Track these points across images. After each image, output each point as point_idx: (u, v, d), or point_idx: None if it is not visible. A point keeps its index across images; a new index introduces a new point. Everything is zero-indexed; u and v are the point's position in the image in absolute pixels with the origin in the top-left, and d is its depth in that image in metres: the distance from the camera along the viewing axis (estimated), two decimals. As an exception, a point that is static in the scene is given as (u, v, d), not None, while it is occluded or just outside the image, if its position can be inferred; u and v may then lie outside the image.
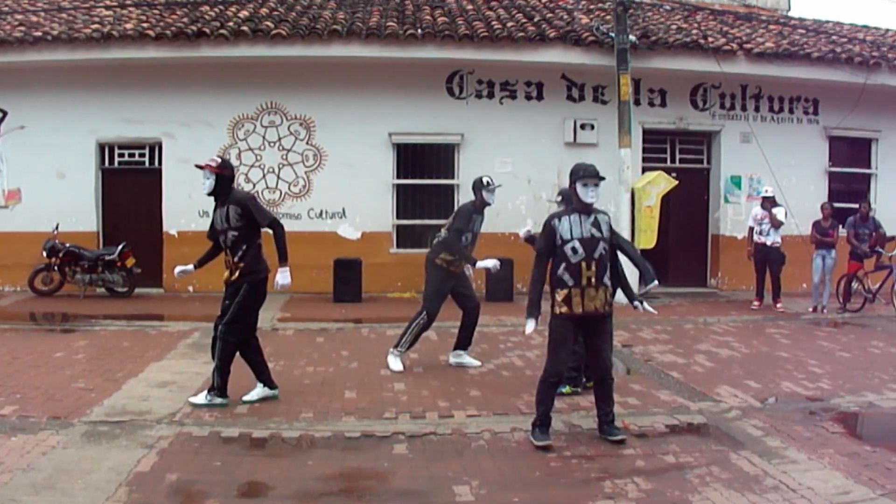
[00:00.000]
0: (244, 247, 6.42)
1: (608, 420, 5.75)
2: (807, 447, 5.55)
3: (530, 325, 5.69)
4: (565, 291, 5.56)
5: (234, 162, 13.60)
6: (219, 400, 6.49)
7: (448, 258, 7.89)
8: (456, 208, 9.07)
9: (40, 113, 13.54)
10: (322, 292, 12.97)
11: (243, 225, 6.40)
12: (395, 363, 7.95)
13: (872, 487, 4.79)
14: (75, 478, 4.82)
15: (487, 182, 7.95)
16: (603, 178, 5.66)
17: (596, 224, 5.63)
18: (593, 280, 5.54)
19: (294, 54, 13.07)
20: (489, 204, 8.02)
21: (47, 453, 5.26)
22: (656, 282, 6.88)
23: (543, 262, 5.69)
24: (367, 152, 13.86)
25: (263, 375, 6.76)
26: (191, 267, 6.86)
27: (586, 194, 5.59)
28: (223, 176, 6.47)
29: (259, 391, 6.72)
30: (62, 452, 5.31)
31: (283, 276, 6.48)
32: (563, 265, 5.56)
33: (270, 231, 6.43)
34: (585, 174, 5.61)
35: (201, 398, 6.49)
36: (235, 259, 6.45)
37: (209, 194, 6.55)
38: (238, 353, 6.60)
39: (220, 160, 6.56)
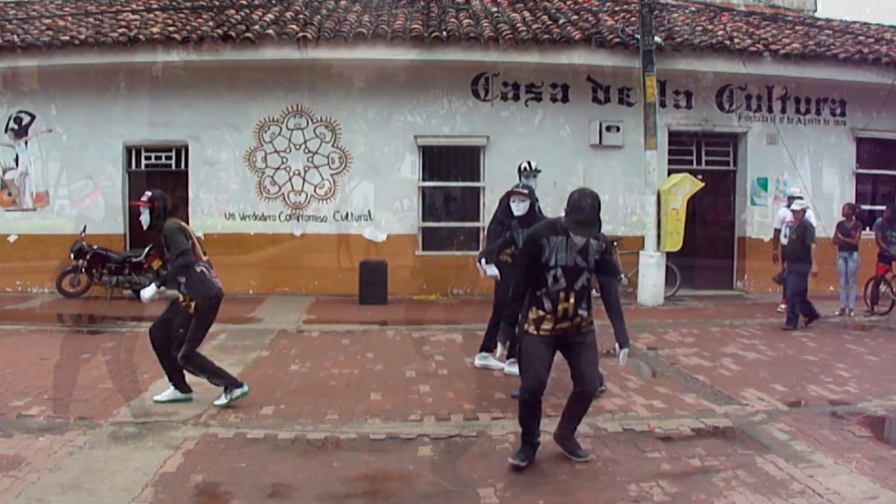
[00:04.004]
0: (182, 279, 6.39)
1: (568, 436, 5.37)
2: (834, 451, 5.48)
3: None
4: (540, 313, 5.11)
5: (261, 165, 13.68)
6: (237, 392, 6.52)
7: (509, 252, 7.68)
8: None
9: (68, 116, 13.73)
10: (348, 294, 12.99)
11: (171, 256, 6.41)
12: (510, 368, 7.57)
13: (902, 493, 4.73)
14: (102, 478, 4.87)
15: (524, 168, 7.74)
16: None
17: (584, 251, 5.05)
18: (570, 311, 5.10)
19: (319, 57, 13.13)
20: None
21: (74, 453, 5.32)
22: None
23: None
24: (393, 154, 13.90)
25: (176, 380, 6.67)
26: None
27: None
28: (155, 208, 6.50)
29: (171, 392, 6.67)
30: (89, 453, 5.36)
31: (146, 291, 6.61)
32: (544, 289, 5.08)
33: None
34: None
35: (223, 399, 6.51)
36: (180, 289, 6.44)
37: (147, 228, 6.59)
38: (155, 347, 6.59)
39: (149, 194, 6.56)
